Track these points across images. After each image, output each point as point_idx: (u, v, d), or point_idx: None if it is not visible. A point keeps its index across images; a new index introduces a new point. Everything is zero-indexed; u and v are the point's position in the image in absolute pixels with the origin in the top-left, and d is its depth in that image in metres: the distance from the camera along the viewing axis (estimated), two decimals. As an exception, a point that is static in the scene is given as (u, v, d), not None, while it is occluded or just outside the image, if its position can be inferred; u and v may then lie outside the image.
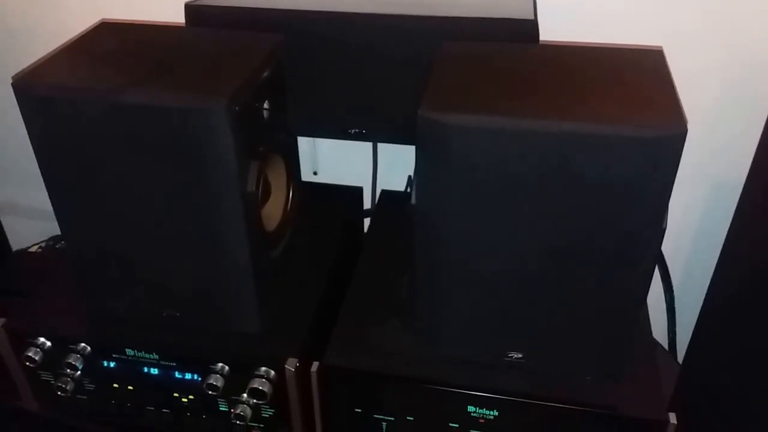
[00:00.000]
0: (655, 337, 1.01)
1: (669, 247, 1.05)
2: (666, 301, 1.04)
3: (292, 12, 0.89)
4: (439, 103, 0.60)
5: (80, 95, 0.64)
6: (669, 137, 0.56)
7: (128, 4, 1.08)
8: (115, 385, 0.82)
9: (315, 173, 1.20)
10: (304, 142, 1.17)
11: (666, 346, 1.07)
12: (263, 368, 0.76)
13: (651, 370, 0.72)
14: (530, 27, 0.82)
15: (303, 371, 0.75)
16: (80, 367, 0.80)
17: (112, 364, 0.80)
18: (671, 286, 1.03)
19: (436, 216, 0.64)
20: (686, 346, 1.04)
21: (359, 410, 0.75)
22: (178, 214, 0.70)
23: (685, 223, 1.08)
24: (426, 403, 0.73)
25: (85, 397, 0.84)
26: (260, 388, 0.75)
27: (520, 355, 0.72)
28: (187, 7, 0.89)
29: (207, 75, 0.67)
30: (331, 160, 1.17)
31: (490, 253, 0.65)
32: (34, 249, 1.28)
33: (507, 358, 0.72)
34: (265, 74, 0.71)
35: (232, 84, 0.64)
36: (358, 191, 1.02)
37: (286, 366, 0.74)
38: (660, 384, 0.71)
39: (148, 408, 0.84)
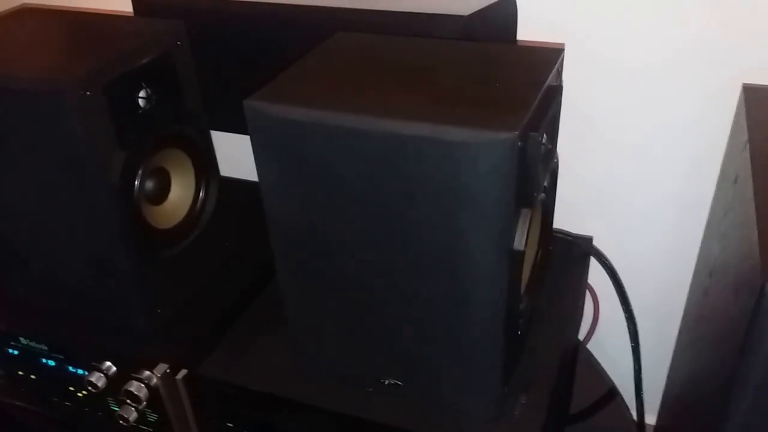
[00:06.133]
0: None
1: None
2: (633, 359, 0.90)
3: (235, 3, 0.87)
4: (270, 93, 0.55)
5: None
6: (487, 143, 0.47)
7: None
8: (21, 373, 0.82)
9: None
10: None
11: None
12: (146, 372, 0.73)
13: (536, 417, 0.62)
14: (460, 24, 0.74)
15: (173, 378, 0.71)
16: (-16, 352, 0.81)
17: (15, 352, 0.80)
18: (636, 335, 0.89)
19: (279, 213, 0.58)
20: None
21: (231, 425, 0.70)
22: (53, 204, 0.68)
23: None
24: (292, 423, 0.67)
25: (3, 381, 0.85)
26: (134, 391, 0.72)
27: (394, 381, 0.64)
28: (132, -5, 0.89)
29: (72, 60, 0.65)
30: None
31: (338, 260, 0.58)
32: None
33: (382, 383, 0.65)
34: (144, 61, 0.67)
35: (87, 67, 0.62)
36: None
37: (154, 371, 0.70)
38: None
39: (53, 399, 0.83)
